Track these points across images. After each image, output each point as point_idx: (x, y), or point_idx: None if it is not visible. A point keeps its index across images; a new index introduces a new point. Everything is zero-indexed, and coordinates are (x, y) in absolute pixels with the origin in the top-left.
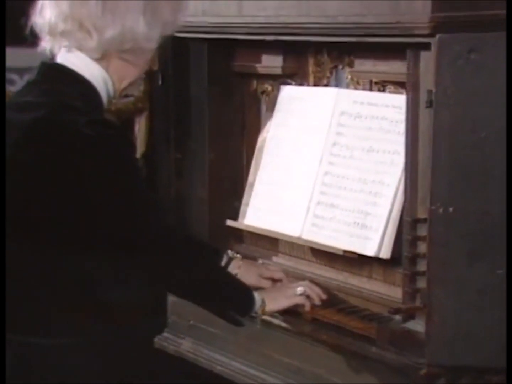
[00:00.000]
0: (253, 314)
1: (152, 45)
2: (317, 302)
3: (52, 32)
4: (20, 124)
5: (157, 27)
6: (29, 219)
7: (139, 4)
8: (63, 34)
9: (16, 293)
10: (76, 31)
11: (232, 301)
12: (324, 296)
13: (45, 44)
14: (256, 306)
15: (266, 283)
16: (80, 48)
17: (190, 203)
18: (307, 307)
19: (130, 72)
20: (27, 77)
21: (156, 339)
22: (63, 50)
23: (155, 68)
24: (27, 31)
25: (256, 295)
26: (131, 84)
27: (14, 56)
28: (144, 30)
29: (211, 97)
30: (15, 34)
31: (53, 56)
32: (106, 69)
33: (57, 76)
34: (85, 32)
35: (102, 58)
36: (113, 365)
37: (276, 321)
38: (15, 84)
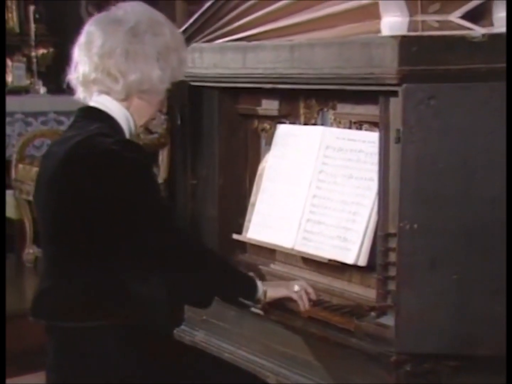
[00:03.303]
0: (256, 299)
1: (164, 86)
2: (307, 304)
3: (85, 81)
4: (59, 153)
5: (168, 72)
6: (70, 227)
7: (154, 53)
8: (95, 81)
9: (59, 288)
10: (105, 77)
11: (239, 288)
12: (314, 297)
13: (79, 94)
14: (259, 292)
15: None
16: (108, 92)
17: (202, 220)
18: (302, 307)
19: (147, 111)
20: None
21: (175, 331)
22: (94, 95)
23: (164, 110)
24: (65, 85)
25: (259, 283)
26: (147, 122)
27: (63, 102)
28: (158, 74)
29: (220, 133)
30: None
31: (86, 103)
32: (128, 109)
33: (90, 115)
34: (113, 78)
35: (125, 99)
36: (136, 349)
37: (274, 317)
38: (64, 125)
